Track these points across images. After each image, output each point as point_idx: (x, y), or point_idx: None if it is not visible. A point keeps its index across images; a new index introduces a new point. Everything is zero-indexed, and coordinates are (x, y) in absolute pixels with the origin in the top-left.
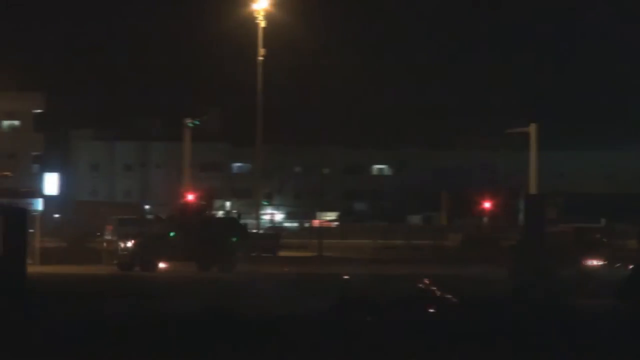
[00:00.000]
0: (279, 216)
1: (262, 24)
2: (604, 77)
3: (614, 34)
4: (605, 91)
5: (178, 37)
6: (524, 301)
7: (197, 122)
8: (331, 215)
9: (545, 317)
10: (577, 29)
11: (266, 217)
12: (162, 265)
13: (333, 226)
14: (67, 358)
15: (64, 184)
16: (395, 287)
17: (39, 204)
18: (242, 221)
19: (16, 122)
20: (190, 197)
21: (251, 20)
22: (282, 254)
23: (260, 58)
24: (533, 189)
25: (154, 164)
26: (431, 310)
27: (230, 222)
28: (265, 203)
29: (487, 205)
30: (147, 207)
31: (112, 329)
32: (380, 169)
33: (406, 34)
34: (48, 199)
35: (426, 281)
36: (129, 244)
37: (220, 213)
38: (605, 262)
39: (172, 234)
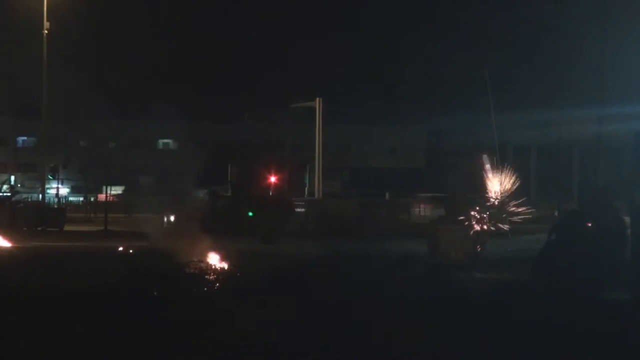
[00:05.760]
0: (64, 190)
1: None
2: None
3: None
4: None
5: None
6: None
7: None
8: (117, 190)
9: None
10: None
11: (52, 192)
12: None
13: (117, 200)
14: None
15: None
16: (180, 261)
17: None
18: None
19: None
20: None
21: None
22: (68, 228)
23: (45, 31)
24: (319, 163)
25: None
26: (217, 284)
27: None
28: (50, 177)
29: (273, 179)
30: None
31: None
32: (166, 143)
33: (197, 9)
34: None
35: (204, 257)
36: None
37: (4, 187)
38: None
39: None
